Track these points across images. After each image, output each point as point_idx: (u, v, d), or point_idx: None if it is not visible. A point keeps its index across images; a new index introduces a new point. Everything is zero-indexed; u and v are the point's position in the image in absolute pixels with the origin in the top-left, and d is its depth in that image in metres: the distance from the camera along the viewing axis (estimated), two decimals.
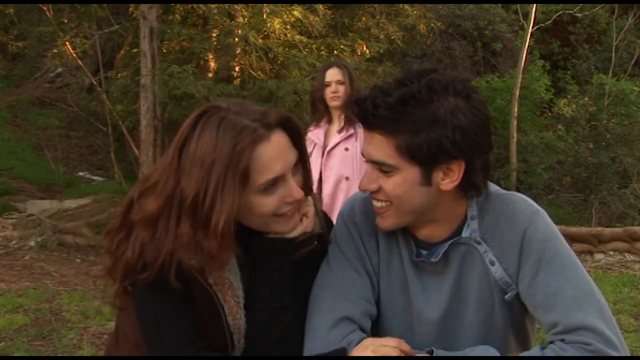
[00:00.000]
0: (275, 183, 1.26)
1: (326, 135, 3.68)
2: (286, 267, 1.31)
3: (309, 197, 1.36)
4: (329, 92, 3.63)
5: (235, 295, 1.28)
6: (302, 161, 1.35)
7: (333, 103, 3.64)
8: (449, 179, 1.27)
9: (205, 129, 1.24)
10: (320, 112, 3.71)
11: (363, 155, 1.33)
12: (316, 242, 1.37)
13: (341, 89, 3.62)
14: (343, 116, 3.63)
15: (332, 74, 3.65)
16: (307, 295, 1.38)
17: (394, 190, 1.28)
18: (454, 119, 1.22)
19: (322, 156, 3.63)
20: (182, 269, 1.24)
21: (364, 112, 1.26)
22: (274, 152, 1.25)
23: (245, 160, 1.21)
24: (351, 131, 3.59)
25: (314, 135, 3.68)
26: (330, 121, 3.70)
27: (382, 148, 1.26)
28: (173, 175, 1.25)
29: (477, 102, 1.26)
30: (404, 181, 1.27)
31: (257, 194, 1.25)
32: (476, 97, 1.26)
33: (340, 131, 3.60)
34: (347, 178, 3.57)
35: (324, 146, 3.65)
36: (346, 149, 3.59)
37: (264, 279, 1.30)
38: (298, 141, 1.33)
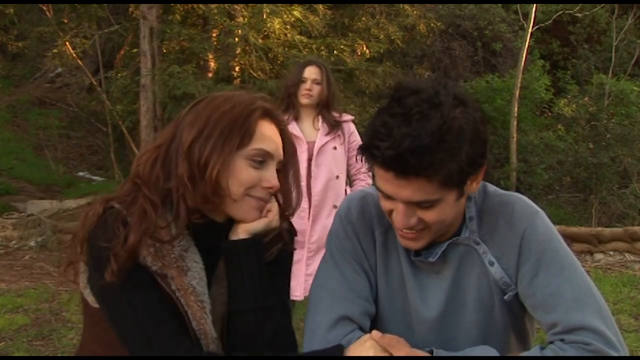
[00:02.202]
0: (263, 159, 1.28)
1: (302, 131, 3.64)
2: (263, 266, 1.30)
3: (273, 198, 1.35)
4: (302, 89, 3.59)
5: (199, 301, 1.24)
6: (285, 174, 1.36)
7: (304, 100, 3.60)
8: (475, 182, 1.28)
9: (217, 96, 1.32)
10: (288, 106, 3.65)
11: (390, 196, 1.24)
12: (282, 243, 1.36)
13: (316, 88, 3.60)
14: (320, 117, 3.63)
15: (310, 72, 3.61)
16: (283, 296, 1.37)
17: (438, 217, 1.25)
18: (476, 131, 1.21)
19: (308, 152, 3.62)
20: (149, 276, 1.22)
21: (398, 162, 1.16)
22: (273, 132, 1.32)
23: (253, 124, 1.28)
24: (338, 133, 3.65)
25: (293, 129, 3.59)
26: (296, 118, 3.65)
27: (425, 189, 1.20)
28: (171, 130, 1.31)
29: (473, 103, 1.25)
30: (445, 206, 1.25)
31: (246, 159, 1.27)
32: (471, 99, 1.25)
33: (328, 133, 3.62)
34: (337, 177, 3.64)
35: (308, 142, 3.63)
36: (335, 148, 3.64)
37: (244, 281, 1.28)
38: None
